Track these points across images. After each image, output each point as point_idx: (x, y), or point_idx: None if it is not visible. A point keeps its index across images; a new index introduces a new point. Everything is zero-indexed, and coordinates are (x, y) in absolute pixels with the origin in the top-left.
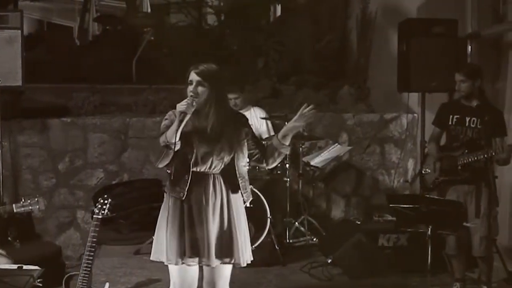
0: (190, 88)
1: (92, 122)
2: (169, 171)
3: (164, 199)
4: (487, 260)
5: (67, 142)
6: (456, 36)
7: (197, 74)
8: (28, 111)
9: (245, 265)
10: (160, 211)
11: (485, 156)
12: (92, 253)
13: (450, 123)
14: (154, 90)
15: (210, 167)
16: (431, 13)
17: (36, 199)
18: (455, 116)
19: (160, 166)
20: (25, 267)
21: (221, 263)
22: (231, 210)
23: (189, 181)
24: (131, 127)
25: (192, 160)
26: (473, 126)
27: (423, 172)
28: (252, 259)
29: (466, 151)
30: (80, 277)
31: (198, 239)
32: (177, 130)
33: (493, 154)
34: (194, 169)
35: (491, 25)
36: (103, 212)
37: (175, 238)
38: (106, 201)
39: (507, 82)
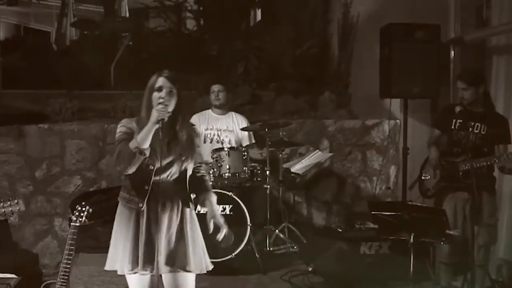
0: (161, 94)
1: (69, 128)
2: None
3: (118, 208)
4: (483, 268)
5: (44, 148)
6: (439, 41)
7: (168, 80)
8: (4, 117)
9: (203, 272)
10: (115, 221)
11: (489, 163)
12: (70, 261)
13: (452, 127)
14: (132, 95)
15: (168, 176)
16: (414, 17)
17: (16, 200)
18: (458, 120)
19: (130, 172)
20: (1, 275)
21: (173, 271)
22: (184, 218)
23: (149, 192)
24: (109, 133)
25: (154, 169)
26: (476, 131)
27: (422, 177)
28: (211, 267)
29: (470, 156)
30: (58, 286)
31: (152, 247)
32: (148, 136)
33: (497, 161)
34: (154, 178)
35: (474, 29)
36: (80, 219)
37: (129, 247)
38: (83, 209)
39: (490, 87)
